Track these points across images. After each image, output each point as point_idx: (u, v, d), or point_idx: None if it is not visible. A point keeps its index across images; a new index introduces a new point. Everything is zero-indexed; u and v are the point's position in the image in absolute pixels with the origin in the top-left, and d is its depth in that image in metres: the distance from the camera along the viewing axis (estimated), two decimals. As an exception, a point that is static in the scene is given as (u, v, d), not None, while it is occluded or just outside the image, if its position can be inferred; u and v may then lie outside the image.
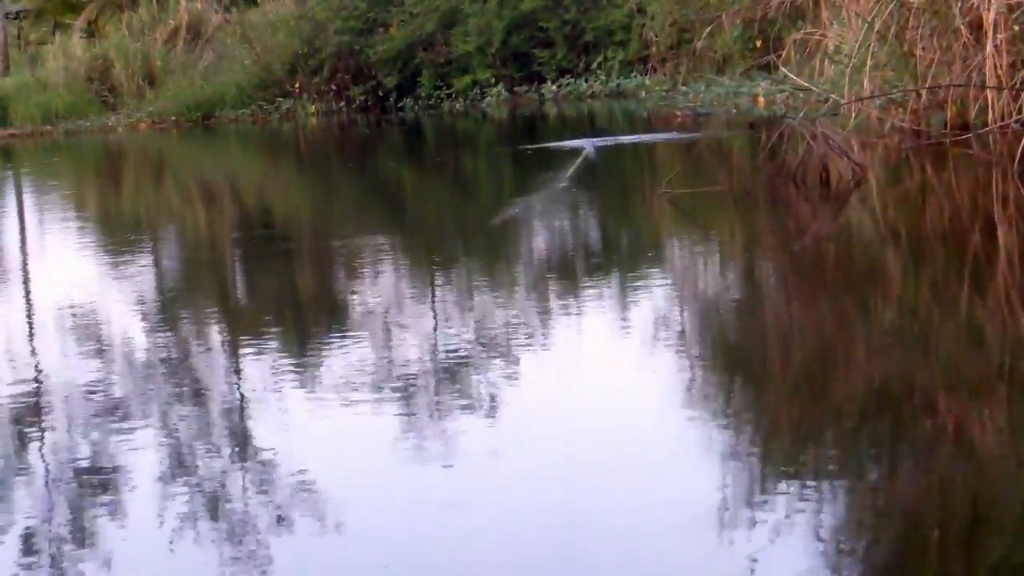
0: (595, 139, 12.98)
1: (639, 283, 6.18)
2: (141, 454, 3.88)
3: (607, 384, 4.43)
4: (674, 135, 13.43)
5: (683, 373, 4.53)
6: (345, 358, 4.94)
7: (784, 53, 14.92)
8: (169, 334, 5.85)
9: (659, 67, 19.74)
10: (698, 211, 8.41)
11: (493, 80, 21.29)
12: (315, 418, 4.21)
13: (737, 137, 12.65)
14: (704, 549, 2.91)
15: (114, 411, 4.40)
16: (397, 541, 3.09)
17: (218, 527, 3.27)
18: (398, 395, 4.37)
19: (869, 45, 10.98)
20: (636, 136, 14.03)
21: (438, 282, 6.71)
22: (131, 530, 3.30)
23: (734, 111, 15.15)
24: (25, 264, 8.97)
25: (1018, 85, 9.92)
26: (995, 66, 10.03)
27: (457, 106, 21.20)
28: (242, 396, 4.56)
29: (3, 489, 3.65)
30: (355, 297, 6.47)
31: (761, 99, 15.05)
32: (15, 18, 31.58)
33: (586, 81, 20.69)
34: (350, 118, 21.46)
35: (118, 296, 7.02)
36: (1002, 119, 9.90)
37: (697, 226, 8.14)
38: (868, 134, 10.72)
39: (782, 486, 3.26)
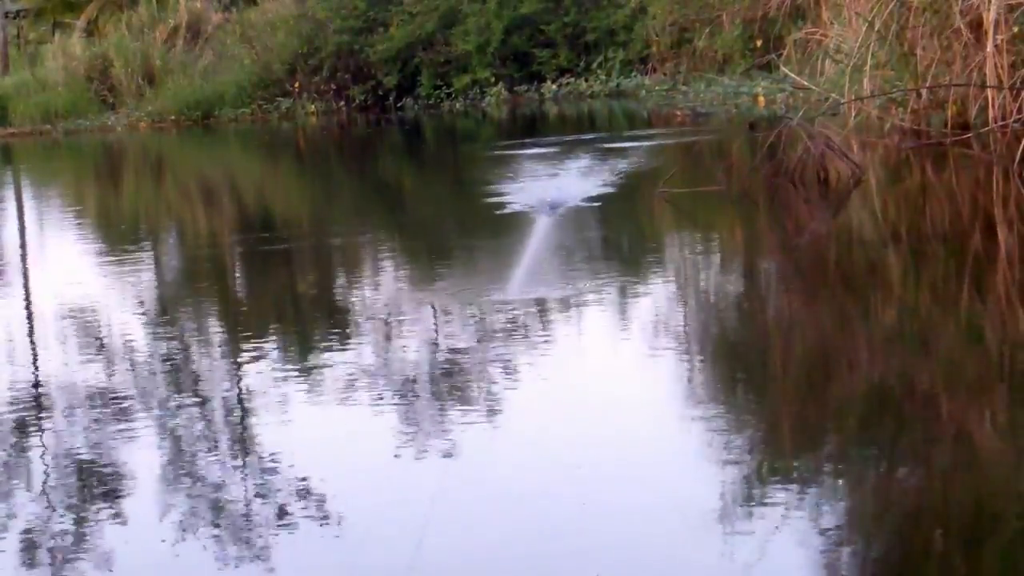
0: (570, 171, 10.68)
1: (636, 283, 6.16)
2: (141, 454, 3.87)
3: (605, 384, 4.41)
4: (665, 133, 13.38)
5: (682, 373, 4.50)
6: (345, 355, 4.93)
7: (784, 53, 14.89)
8: (167, 333, 5.82)
9: (659, 67, 19.72)
10: (695, 211, 8.38)
11: (493, 80, 21.27)
12: (315, 418, 4.19)
13: (736, 137, 12.62)
14: (708, 547, 2.89)
15: (113, 411, 4.38)
16: (398, 542, 3.07)
17: (218, 527, 3.25)
18: (398, 393, 4.35)
19: (869, 45, 10.95)
20: (632, 136, 13.98)
21: (436, 283, 6.69)
22: (132, 530, 3.29)
23: (734, 111, 15.13)
24: (23, 263, 8.95)
25: (1018, 85, 9.89)
26: (995, 66, 9.99)
27: (457, 105, 21.18)
28: (241, 395, 4.54)
29: (4, 489, 3.64)
30: (352, 293, 6.45)
31: (761, 99, 15.02)
32: (15, 18, 31.58)
33: (586, 81, 20.68)
34: (350, 117, 21.44)
35: (115, 295, 6.99)
36: (1002, 119, 9.87)
37: (693, 226, 8.11)
38: (868, 134, 10.69)
39: (786, 485, 3.24)
